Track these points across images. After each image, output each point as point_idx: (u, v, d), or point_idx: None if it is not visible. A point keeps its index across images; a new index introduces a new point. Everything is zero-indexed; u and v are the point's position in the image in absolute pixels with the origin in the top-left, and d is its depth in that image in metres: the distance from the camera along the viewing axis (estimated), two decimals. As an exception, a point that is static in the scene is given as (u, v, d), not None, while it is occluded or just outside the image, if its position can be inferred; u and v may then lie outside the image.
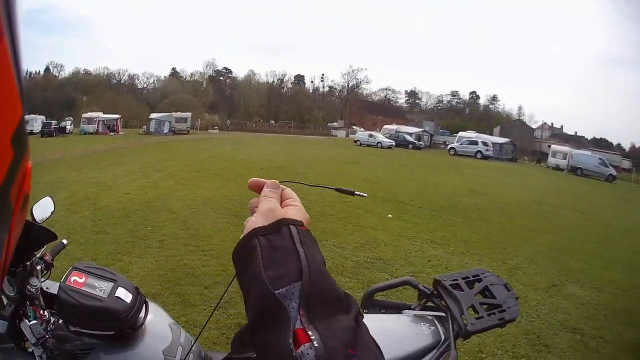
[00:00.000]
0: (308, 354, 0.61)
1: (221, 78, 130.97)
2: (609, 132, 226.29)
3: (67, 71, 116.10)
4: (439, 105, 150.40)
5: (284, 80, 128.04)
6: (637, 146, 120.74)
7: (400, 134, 62.23)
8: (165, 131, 57.05)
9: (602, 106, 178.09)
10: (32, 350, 1.82)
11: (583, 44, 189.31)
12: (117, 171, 17.93)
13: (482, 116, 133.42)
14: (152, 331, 1.99)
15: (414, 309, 2.13)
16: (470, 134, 62.73)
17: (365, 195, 1.15)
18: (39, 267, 1.99)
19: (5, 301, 1.85)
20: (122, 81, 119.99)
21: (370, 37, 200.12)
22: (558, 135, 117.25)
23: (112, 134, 53.91)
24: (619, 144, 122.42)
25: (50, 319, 1.91)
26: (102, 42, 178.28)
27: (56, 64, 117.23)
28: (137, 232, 8.98)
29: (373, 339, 0.69)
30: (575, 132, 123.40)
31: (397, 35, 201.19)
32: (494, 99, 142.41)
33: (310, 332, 0.65)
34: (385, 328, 1.95)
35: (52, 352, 1.81)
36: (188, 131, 61.84)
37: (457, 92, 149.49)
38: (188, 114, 65.97)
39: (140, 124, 72.70)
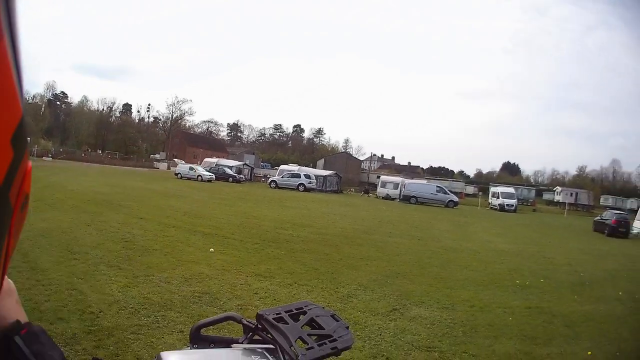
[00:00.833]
0: None
1: (58, 102, 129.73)
2: (449, 160, 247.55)
3: None
4: (261, 139, 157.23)
5: (113, 109, 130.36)
6: (484, 172, 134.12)
7: (220, 167, 64.17)
8: (4, 158, 55.80)
9: (442, 136, 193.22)
10: None
11: (422, 74, 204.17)
12: None
13: (305, 149, 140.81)
14: None
15: (241, 343, 1.99)
16: (292, 167, 65.63)
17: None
18: None
19: None
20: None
21: (197, 66, 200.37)
22: (389, 165, 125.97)
23: None
24: (461, 171, 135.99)
25: None
26: None
27: None
28: None
29: None
30: (409, 162, 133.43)
31: (223, 67, 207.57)
32: (319, 132, 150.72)
33: None
34: None
35: None
36: None
37: (280, 125, 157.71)
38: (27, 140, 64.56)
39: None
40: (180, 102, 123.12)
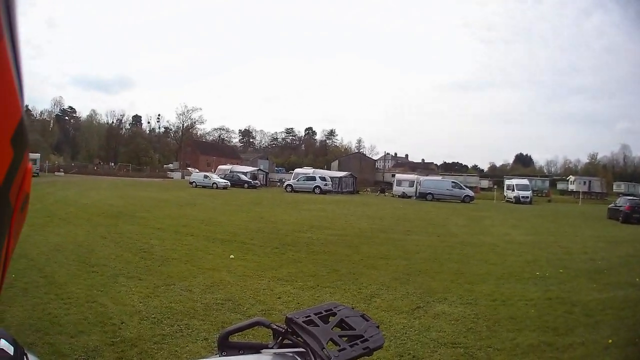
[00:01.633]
0: None
1: (66, 118, 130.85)
2: (464, 155, 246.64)
3: None
4: (274, 143, 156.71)
5: (122, 121, 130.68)
6: (497, 165, 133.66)
7: (235, 173, 64.36)
8: (15, 174, 57.63)
9: (453, 131, 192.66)
10: None
11: (425, 72, 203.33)
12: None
13: (319, 152, 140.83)
14: None
15: (271, 348, 2.00)
16: (307, 170, 65.48)
17: None
18: None
19: None
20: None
21: (198, 66, 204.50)
22: (403, 164, 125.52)
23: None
24: (475, 166, 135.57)
25: None
26: None
27: None
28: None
29: None
30: (423, 160, 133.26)
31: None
32: (331, 133, 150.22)
33: None
34: None
35: None
36: (37, 173, 62.61)
37: (292, 129, 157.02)
38: (37, 156, 67.30)
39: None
40: (190, 111, 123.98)
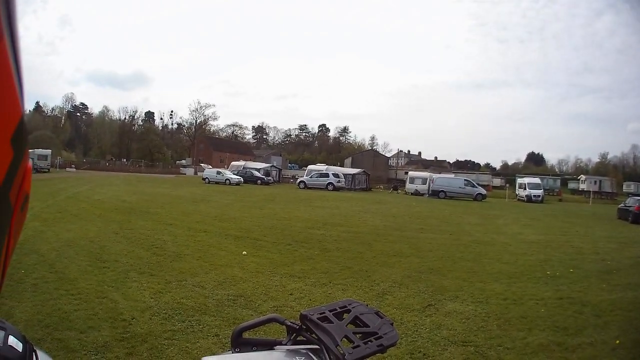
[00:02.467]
0: None
1: (78, 114, 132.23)
2: (476, 153, 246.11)
3: None
4: (287, 140, 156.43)
5: (135, 117, 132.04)
6: (509, 164, 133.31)
7: (248, 170, 64.37)
8: (27, 170, 58.89)
9: (466, 129, 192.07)
10: None
11: (440, 72, 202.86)
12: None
13: (332, 148, 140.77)
14: None
15: (285, 344, 2.03)
16: (320, 167, 65.12)
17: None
18: None
19: None
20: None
21: (219, 70, 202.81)
22: (416, 161, 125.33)
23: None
24: (487, 164, 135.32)
25: None
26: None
27: None
28: (13, 274, 9.08)
29: None
30: (435, 157, 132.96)
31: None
32: (344, 130, 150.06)
33: None
34: None
35: None
36: (49, 169, 65.38)
37: (305, 125, 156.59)
38: (48, 152, 69.06)
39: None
40: (204, 108, 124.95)
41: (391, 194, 61.05)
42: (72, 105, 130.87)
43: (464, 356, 6.16)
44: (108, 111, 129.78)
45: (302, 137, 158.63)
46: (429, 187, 54.11)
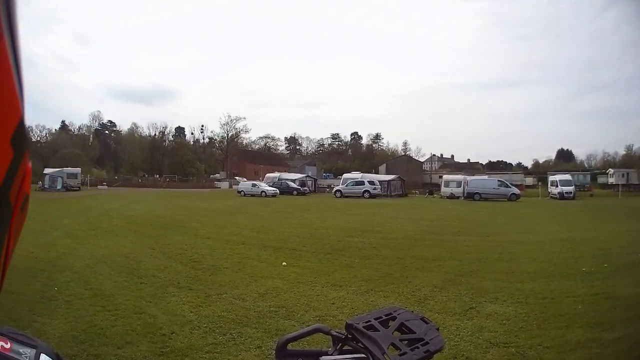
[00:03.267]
0: None
1: (106, 132, 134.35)
2: (508, 153, 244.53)
3: None
4: (320, 150, 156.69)
5: (165, 132, 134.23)
6: (540, 162, 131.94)
7: (283, 181, 65.17)
8: (58, 187, 61.16)
9: (496, 130, 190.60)
10: None
11: (464, 72, 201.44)
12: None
13: (365, 156, 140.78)
14: None
15: (331, 355, 2.01)
16: (356, 175, 65.79)
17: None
18: None
19: None
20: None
21: (246, 84, 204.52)
22: (449, 165, 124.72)
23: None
24: (519, 163, 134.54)
25: None
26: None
27: None
28: (45, 292, 9.16)
29: None
30: (468, 160, 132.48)
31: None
32: (377, 137, 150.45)
33: None
34: None
35: None
36: (79, 187, 66.52)
37: (337, 134, 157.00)
38: (78, 170, 70.47)
39: (35, 179, 72.27)
40: (234, 121, 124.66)
41: (427, 198, 60.95)
42: (99, 123, 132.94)
43: (505, 357, 6.16)
44: (137, 127, 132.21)
45: (335, 145, 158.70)
46: (463, 190, 53.81)
